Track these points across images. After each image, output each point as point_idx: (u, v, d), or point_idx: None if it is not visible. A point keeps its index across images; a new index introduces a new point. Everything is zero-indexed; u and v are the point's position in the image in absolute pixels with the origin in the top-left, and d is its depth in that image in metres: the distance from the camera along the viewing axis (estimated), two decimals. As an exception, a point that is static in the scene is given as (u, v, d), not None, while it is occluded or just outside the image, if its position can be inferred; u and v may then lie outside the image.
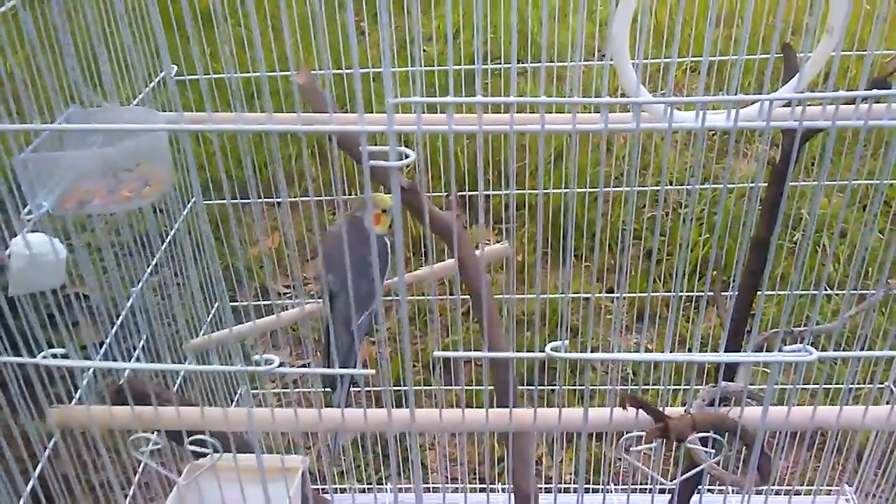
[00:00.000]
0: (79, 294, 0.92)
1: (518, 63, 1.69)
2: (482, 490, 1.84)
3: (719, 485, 1.55)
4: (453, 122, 0.60)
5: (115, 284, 1.03)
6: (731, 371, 1.02)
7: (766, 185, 1.09)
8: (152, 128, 0.84)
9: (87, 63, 1.14)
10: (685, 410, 0.75)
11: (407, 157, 0.61)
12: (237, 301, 1.81)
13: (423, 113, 0.63)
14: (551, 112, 1.01)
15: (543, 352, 0.66)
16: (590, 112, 1.50)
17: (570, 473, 1.90)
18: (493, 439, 1.95)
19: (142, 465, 1.17)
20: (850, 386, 1.67)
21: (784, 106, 0.81)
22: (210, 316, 1.49)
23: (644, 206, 2.48)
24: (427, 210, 0.98)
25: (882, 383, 1.49)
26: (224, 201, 1.52)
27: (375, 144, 1.30)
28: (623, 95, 0.74)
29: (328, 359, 1.36)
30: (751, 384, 0.97)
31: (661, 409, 0.68)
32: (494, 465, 1.90)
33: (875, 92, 0.52)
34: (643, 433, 0.67)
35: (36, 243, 0.85)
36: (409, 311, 1.71)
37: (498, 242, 1.55)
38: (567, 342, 0.65)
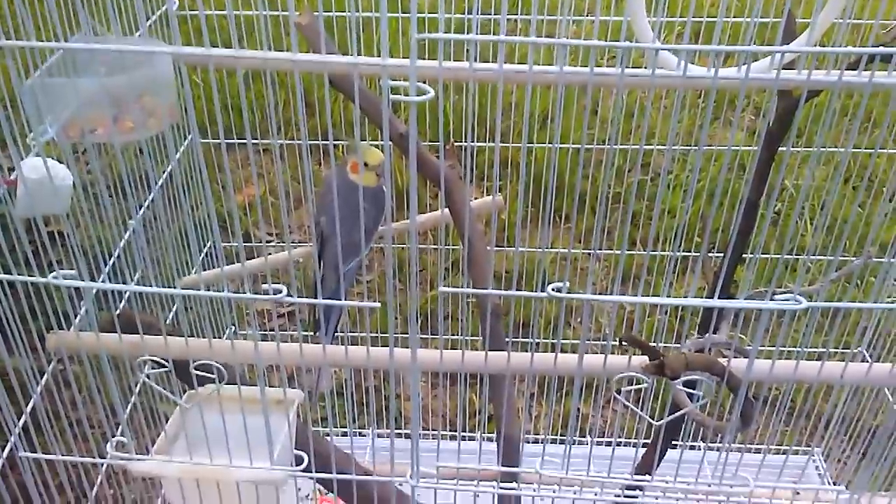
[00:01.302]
0: (54, 232, 0.91)
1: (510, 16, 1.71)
2: (461, 438, 1.88)
3: (701, 437, 1.60)
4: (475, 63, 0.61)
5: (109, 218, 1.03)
6: (715, 328, 1.05)
7: (756, 149, 1.11)
8: (160, 50, 0.83)
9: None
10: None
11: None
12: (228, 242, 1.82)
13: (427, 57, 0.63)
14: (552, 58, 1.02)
15: (545, 292, 0.68)
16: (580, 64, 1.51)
17: (545, 428, 1.95)
18: (472, 391, 1.98)
19: (130, 402, 1.18)
20: (828, 342, 1.71)
21: (787, 68, 0.83)
22: (202, 255, 1.50)
23: (630, 169, 2.50)
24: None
25: (856, 348, 1.54)
26: (215, 141, 1.52)
27: (371, 87, 1.29)
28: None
29: (316, 298, 1.38)
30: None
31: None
32: (475, 415, 1.95)
33: (881, 49, 0.54)
34: (634, 374, 0.69)
35: (44, 167, 0.85)
36: (393, 263, 1.72)
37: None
38: (568, 284, 0.67)
